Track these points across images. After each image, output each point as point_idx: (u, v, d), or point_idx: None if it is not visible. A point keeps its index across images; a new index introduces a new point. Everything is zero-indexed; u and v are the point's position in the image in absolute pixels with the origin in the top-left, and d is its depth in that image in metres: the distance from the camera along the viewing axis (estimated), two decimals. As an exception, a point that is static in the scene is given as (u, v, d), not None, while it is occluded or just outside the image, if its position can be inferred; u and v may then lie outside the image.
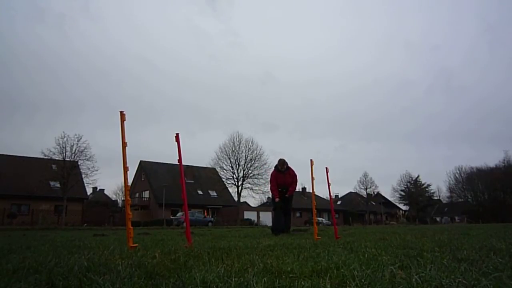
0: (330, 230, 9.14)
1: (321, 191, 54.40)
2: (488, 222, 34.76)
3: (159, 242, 4.38)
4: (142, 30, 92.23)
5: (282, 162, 7.64)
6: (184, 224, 3.91)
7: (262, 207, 50.83)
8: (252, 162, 39.01)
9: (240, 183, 38.41)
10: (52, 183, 31.86)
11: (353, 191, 58.14)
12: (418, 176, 59.97)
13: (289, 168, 7.68)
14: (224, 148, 39.41)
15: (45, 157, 28.55)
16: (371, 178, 54.39)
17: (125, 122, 3.45)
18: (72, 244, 4.10)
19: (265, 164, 39.21)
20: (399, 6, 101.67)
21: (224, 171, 39.37)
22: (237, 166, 38.73)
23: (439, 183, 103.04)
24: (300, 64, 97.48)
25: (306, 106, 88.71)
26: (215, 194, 45.88)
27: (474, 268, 1.69)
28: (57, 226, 22.37)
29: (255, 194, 42.32)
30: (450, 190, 63.09)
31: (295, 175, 7.70)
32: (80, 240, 5.11)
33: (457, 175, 61.01)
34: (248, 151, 39.45)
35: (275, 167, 7.73)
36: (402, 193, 59.47)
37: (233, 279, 1.49)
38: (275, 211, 7.67)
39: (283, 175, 7.57)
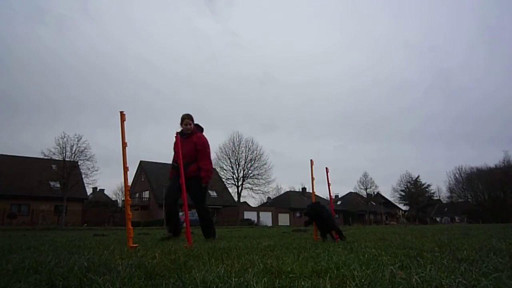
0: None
1: (321, 191, 54.35)
2: (488, 222, 34.77)
3: (159, 242, 4.38)
4: (141, 31, 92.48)
5: (184, 117, 4.88)
6: (184, 224, 3.91)
7: (262, 207, 50.82)
8: (252, 162, 39.09)
9: (240, 183, 38.48)
10: (52, 183, 31.86)
11: (353, 191, 58.18)
12: (418, 176, 60.16)
13: (194, 132, 4.95)
14: (224, 148, 39.53)
15: (45, 157, 28.55)
16: (371, 178, 54.55)
17: (125, 122, 3.45)
18: (72, 244, 4.10)
19: (265, 164, 39.30)
20: (398, 6, 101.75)
21: (224, 171, 39.48)
22: (237, 166, 38.81)
23: (439, 183, 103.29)
24: (299, 64, 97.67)
25: (305, 106, 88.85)
26: (215, 194, 45.89)
27: (474, 268, 1.69)
28: (57, 226, 22.39)
29: (255, 194, 42.40)
30: (450, 190, 63.19)
31: (203, 144, 4.90)
32: (80, 240, 5.11)
33: (457, 175, 61.13)
34: (248, 151, 39.55)
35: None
36: (402, 193, 59.56)
37: (233, 279, 1.49)
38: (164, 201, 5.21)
39: (184, 140, 4.77)
